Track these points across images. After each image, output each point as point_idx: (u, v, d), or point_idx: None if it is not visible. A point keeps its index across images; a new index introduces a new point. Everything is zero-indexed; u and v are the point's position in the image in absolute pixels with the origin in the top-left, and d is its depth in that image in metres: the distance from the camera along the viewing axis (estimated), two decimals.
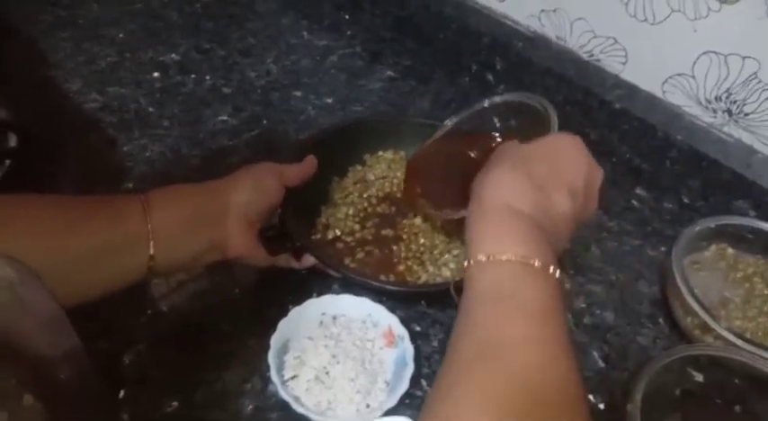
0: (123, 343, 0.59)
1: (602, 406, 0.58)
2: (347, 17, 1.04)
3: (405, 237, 0.69)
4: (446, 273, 0.65)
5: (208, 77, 0.90)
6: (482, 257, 0.40)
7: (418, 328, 0.63)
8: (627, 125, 0.78)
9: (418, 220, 0.70)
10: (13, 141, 0.64)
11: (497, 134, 0.58)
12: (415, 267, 0.66)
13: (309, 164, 0.63)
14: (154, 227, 0.49)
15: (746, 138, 0.72)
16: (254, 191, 0.56)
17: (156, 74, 0.90)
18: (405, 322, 0.60)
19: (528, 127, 0.57)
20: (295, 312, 0.58)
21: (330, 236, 0.68)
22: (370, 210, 0.71)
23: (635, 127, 0.77)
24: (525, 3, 0.85)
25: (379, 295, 0.63)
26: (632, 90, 0.78)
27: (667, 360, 0.55)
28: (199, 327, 0.61)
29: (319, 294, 0.62)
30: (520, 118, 0.59)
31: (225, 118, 0.84)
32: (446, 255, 0.67)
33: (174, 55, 0.93)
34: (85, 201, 0.49)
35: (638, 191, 0.79)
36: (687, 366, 0.57)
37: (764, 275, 0.67)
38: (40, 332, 0.44)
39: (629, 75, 0.79)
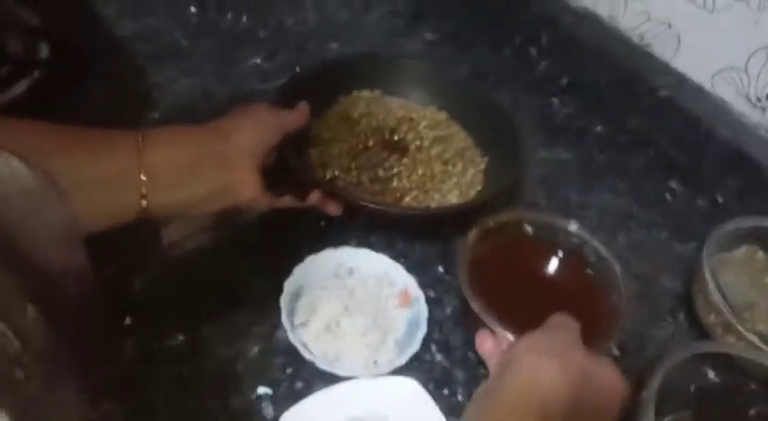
0: (134, 269, 0.58)
1: None
2: None
3: (402, 169, 0.68)
4: (452, 198, 0.66)
5: (245, 18, 0.88)
6: None
7: (433, 294, 0.61)
8: (670, 115, 0.76)
9: (413, 153, 0.70)
10: (44, 51, 0.62)
11: (564, 255, 0.61)
12: (420, 196, 0.66)
13: (304, 110, 0.61)
14: (147, 164, 0.46)
15: None
16: (257, 129, 0.54)
17: (192, 9, 0.87)
18: (420, 286, 0.59)
19: (596, 280, 0.59)
20: (311, 260, 0.57)
21: (329, 175, 0.66)
22: (361, 146, 0.70)
23: (678, 118, 0.75)
24: None
25: (395, 227, 0.63)
26: (681, 79, 0.75)
27: (686, 354, 0.53)
28: (213, 264, 0.60)
29: (336, 245, 0.60)
30: (592, 263, 0.60)
31: (258, 61, 0.82)
32: (447, 182, 0.68)
33: None
34: (81, 131, 0.46)
35: (673, 184, 0.77)
36: (705, 364, 0.55)
37: None
38: (51, 245, 0.43)
39: (679, 63, 0.76)
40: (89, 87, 0.66)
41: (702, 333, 0.62)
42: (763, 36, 0.67)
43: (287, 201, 0.59)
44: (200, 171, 0.49)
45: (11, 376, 0.31)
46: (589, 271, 0.60)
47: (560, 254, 0.61)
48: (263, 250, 0.62)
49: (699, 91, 0.74)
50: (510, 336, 0.50)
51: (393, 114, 0.74)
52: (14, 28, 0.64)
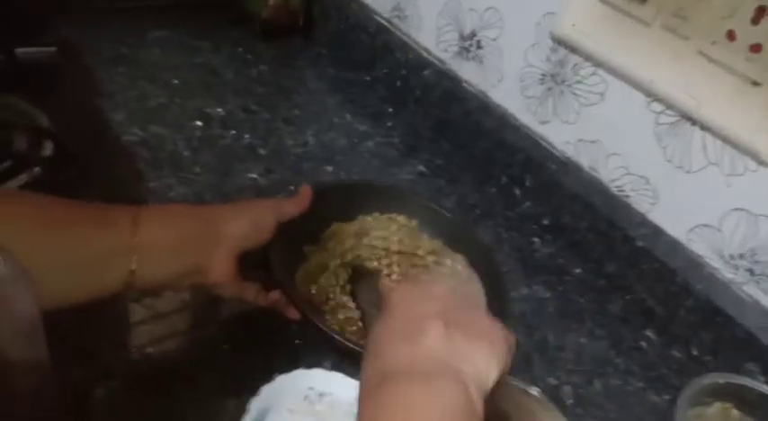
0: (98, 375, 0.56)
1: None
2: (390, 110, 1.07)
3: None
4: None
5: (247, 136, 0.92)
6: None
7: None
8: (647, 265, 0.78)
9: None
10: (48, 150, 0.64)
11: None
12: None
13: (305, 193, 0.62)
14: (140, 241, 0.49)
15: (765, 300, 0.71)
16: (250, 226, 0.56)
17: (198, 122, 0.92)
18: None
19: None
20: (281, 380, 0.56)
21: (313, 289, 0.67)
22: (358, 269, 0.70)
23: (654, 268, 0.77)
24: (565, 129, 0.87)
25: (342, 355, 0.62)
26: (657, 232, 0.78)
27: None
28: (177, 375, 0.58)
29: (309, 367, 0.59)
30: None
31: (254, 176, 0.85)
32: None
33: (220, 109, 0.96)
34: (78, 206, 0.49)
35: (648, 333, 0.77)
36: None
37: None
38: (14, 338, 0.42)
39: (656, 216, 0.79)
40: (86, 188, 0.67)
41: None
42: (735, 198, 0.71)
43: (252, 293, 0.61)
44: (184, 250, 0.52)
45: None
46: None
47: None
48: (233, 366, 0.61)
49: (675, 244, 0.77)
50: None
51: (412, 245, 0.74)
52: (23, 127, 0.67)
